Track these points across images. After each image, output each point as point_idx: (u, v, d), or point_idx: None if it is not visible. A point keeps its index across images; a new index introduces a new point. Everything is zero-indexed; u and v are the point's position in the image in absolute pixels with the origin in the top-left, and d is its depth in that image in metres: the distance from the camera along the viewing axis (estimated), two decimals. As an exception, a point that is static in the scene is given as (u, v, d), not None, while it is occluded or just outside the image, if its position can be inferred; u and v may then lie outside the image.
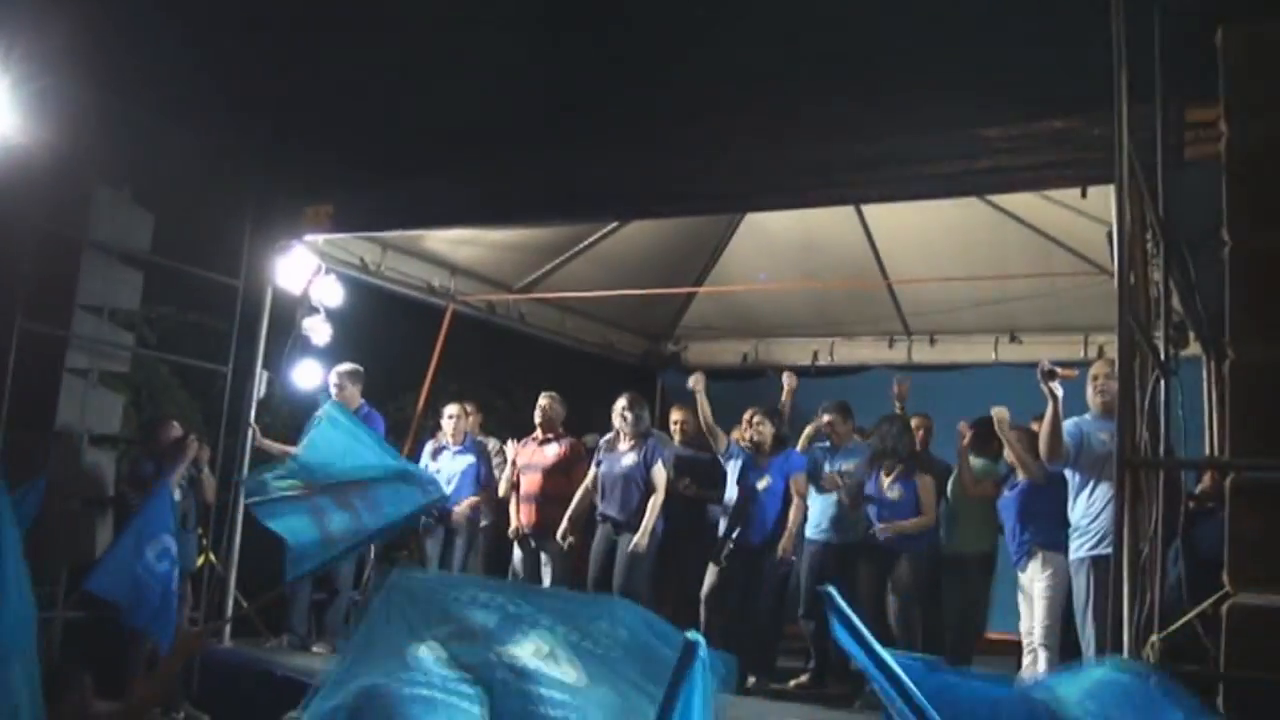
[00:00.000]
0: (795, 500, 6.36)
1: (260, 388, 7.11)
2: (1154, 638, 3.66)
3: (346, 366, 6.97)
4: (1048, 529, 5.53)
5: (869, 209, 7.95)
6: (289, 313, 7.23)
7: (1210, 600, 3.49)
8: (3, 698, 2.57)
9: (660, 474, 6.38)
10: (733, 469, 6.45)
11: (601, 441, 6.74)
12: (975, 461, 6.30)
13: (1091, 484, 5.00)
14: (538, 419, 7.00)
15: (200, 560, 6.74)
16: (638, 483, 6.39)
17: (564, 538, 6.57)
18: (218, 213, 7.19)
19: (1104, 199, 4.12)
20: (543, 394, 7.06)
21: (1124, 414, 3.59)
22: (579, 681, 2.09)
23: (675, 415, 6.94)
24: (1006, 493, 5.91)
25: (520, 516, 6.83)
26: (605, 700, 2.06)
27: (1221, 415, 5.17)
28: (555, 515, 6.62)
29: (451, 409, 7.34)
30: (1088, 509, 5.01)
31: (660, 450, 6.49)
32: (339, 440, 4.35)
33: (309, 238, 7.15)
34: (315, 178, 6.92)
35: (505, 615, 2.20)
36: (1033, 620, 5.68)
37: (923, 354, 9.43)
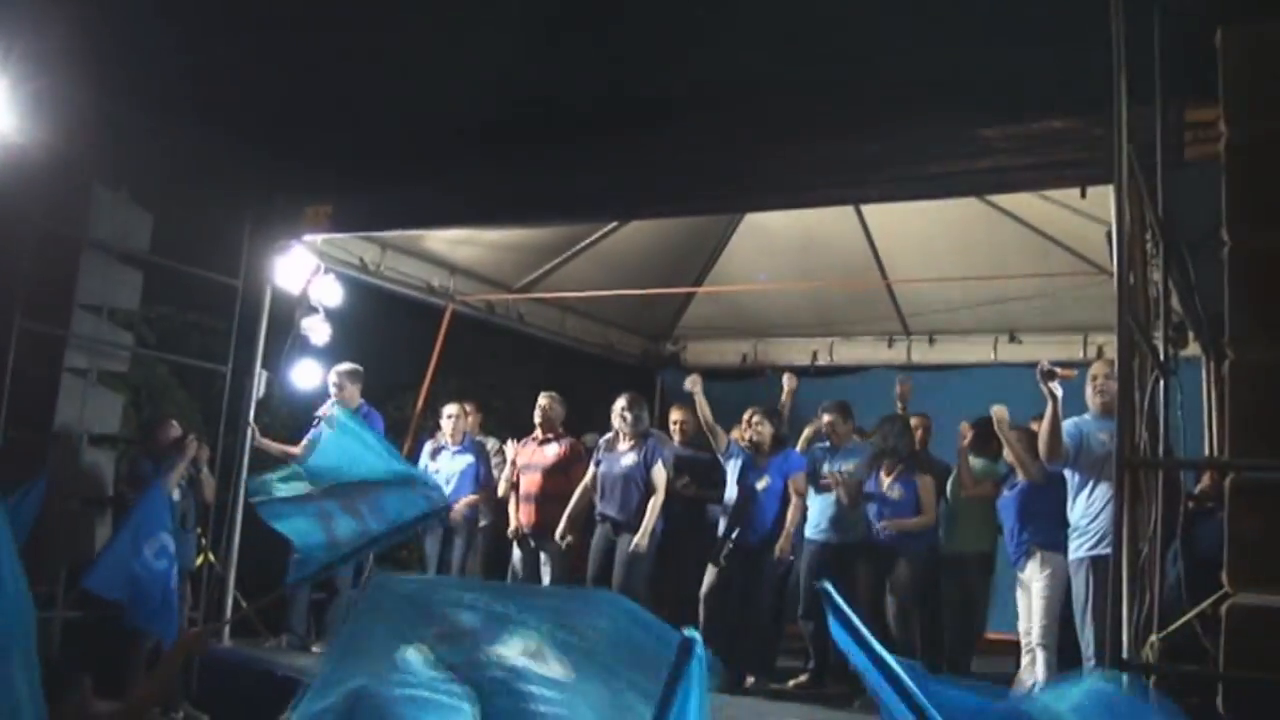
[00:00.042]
0: (794, 500, 6.36)
1: (259, 387, 7.11)
2: (1153, 638, 3.66)
3: (346, 366, 6.97)
4: (1047, 529, 5.53)
5: (868, 209, 7.95)
6: (288, 312, 7.22)
7: (1210, 600, 3.49)
8: (3, 693, 2.56)
9: (660, 474, 6.38)
10: (733, 469, 6.45)
11: (601, 441, 6.74)
12: (975, 461, 6.31)
13: (1091, 484, 5.01)
14: (537, 419, 6.99)
15: (199, 560, 6.74)
16: (637, 483, 6.39)
17: (562, 537, 6.57)
18: (217, 212, 7.19)
19: (1103, 199, 4.12)
20: (542, 394, 7.06)
21: (1123, 414, 3.59)
22: (567, 678, 2.09)
23: (675, 415, 6.94)
24: (1006, 492, 5.91)
25: (520, 516, 6.83)
26: (594, 695, 2.07)
27: (1221, 415, 5.18)
28: (555, 515, 6.62)
29: (451, 409, 7.34)
30: (1087, 509, 5.01)
31: (660, 450, 6.49)
32: (348, 446, 4.35)
33: (308, 237, 7.15)
34: (314, 178, 6.92)
35: (490, 615, 2.21)
36: (1031, 620, 5.68)
37: (922, 354, 9.44)
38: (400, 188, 6.76)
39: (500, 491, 7.10)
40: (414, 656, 2.16)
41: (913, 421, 6.67)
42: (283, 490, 4.35)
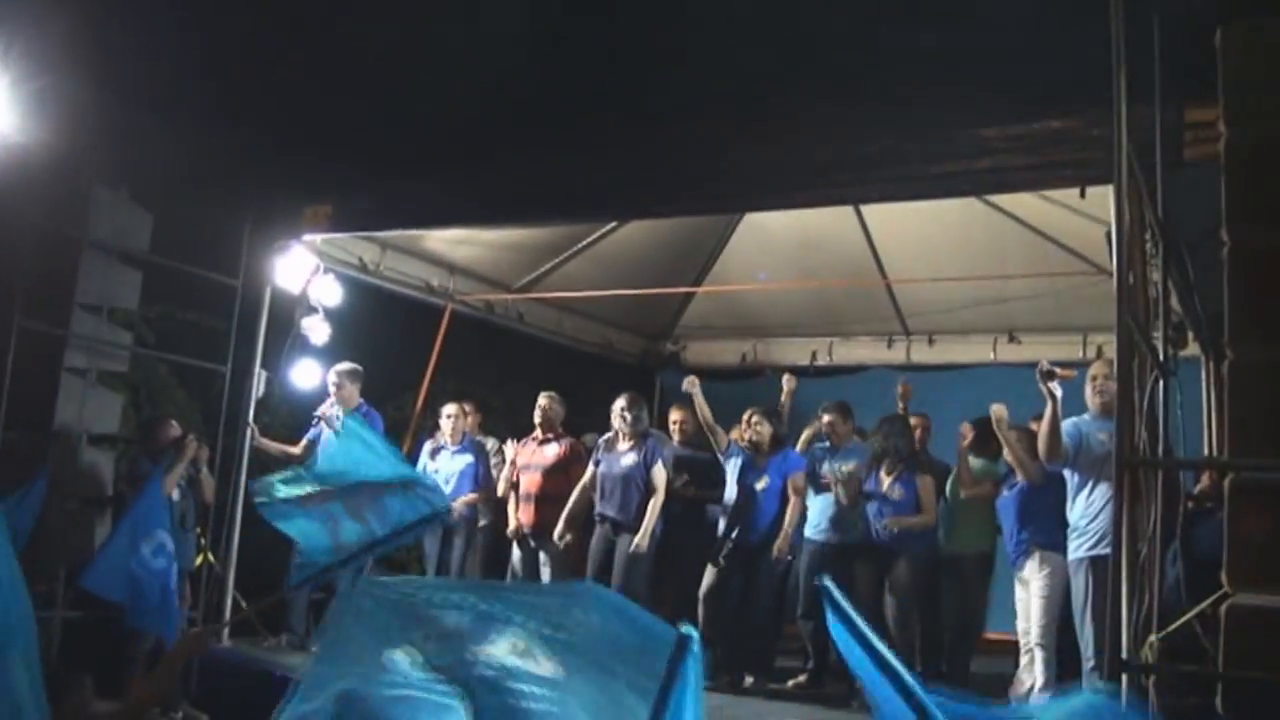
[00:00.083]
0: (792, 499, 6.36)
1: (259, 387, 7.11)
2: (1153, 638, 3.66)
3: (345, 366, 6.97)
4: (1046, 529, 5.54)
5: (868, 209, 7.96)
6: (288, 312, 7.23)
7: (1209, 600, 3.49)
8: (5, 693, 2.56)
9: (660, 475, 6.38)
10: (732, 468, 6.46)
11: (600, 441, 6.75)
12: (975, 461, 6.31)
13: (1090, 484, 5.01)
14: (537, 419, 7.00)
15: (199, 560, 6.74)
16: (637, 483, 6.39)
17: (560, 537, 6.57)
18: (216, 212, 7.18)
19: (1103, 199, 4.12)
20: (542, 394, 7.06)
21: (1123, 414, 3.59)
22: (557, 675, 2.10)
23: (674, 415, 6.94)
24: (1006, 492, 5.92)
25: (519, 516, 6.83)
26: (585, 691, 2.07)
27: (1220, 415, 5.19)
28: (554, 515, 6.62)
29: (450, 409, 7.34)
30: (1086, 509, 5.01)
31: (660, 450, 6.49)
32: (353, 450, 4.36)
33: (308, 237, 7.15)
34: (314, 178, 6.92)
35: (477, 615, 2.21)
36: (1029, 620, 5.68)
37: (921, 354, 9.44)
38: (400, 187, 6.76)
39: (500, 491, 7.11)
40: (401, 658, 2.17)
41: (912, 421, 6.67)
42: (284, 492, 4.35)
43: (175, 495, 6.30)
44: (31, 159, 5.83)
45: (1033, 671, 5.62)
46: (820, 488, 6.47)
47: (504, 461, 7.23)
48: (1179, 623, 3.70)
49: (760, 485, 6.38)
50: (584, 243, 8.69)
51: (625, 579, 6.21)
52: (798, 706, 5.91)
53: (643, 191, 6.26)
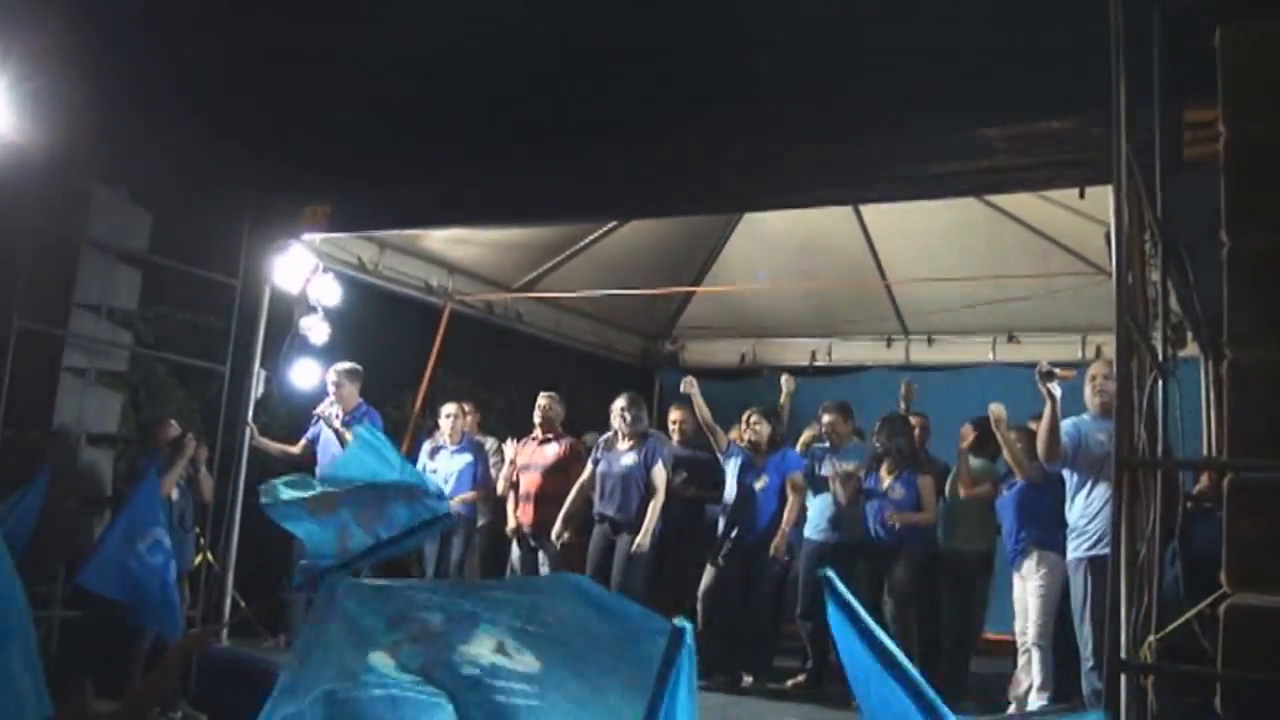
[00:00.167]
0: (791, 497, 6.37)
1: (258, 387, 7.10)
2: (1151, 638, 3.66)
3: (344, 365, 6.97)
4: (1045, 529, 5.54)
5: (867, 209, 7.96)
6: (287, 312, 7.22)
7: (1208, 600, 3.49)
8: (5, 683, 2.56)
9: (660, 475, 6.39)
10: (732, 468, 6.46)
11: (600, 440, 6.75)
12: (974, 461, 6.31)
13: (1089, 484, 5.01)
14: (537, 419, 7.00)
15: (198, 560, 6.73)
16: (637, 483, 6.39)
17: (558, 536, 6.57)
18: (215, 212, 7.17)
19: (1102, 199, 4.12)
20: (542, 393, 7.07)
21: (1122, 414, 3.59)
22: (537, 669, 2.11)
23: (674, 415, 6.95)
24: (1005, 492, 5.92)
25: (519, 515, 6.84)
26: (567, 683, 2.09)
27: (1219, 415, 5.18)
28: (554, 515, 6.63)
29: (449, 408, 7.35)
30: (1085, 509, 5.01)
31: (660, 451, 6.50)
32: (367, 461, 4.38)
33: (307, 237, 7.15)
34: (313, 177, 6.91)
35: (454, 615, 2.22)
36: (1027, 619, 5.69)
37: (921, 354, 9.44)
38: (399, 187, 6.75)
39: (499, 490, 7.11)
40: (382, 660, 2.17)
41: (911, 421, 6.68)
42: (288, 494, 4.36)
43: (175, 495, 6.30)
44: (30, 159, 5.83)
45: (1030, 671, 5.62)
46: (820, 488, 6.47)
47: (503, 461, 7.24)
48: (1178, 623, 3.70)
49: (759, 485, 6.39)
50: (583, 243, 8.69)
51: (624, 578, 6.21)
52: (796, 706, 5.92)
53: (642, 191, 6.26)
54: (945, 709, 1.89)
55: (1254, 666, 3.14)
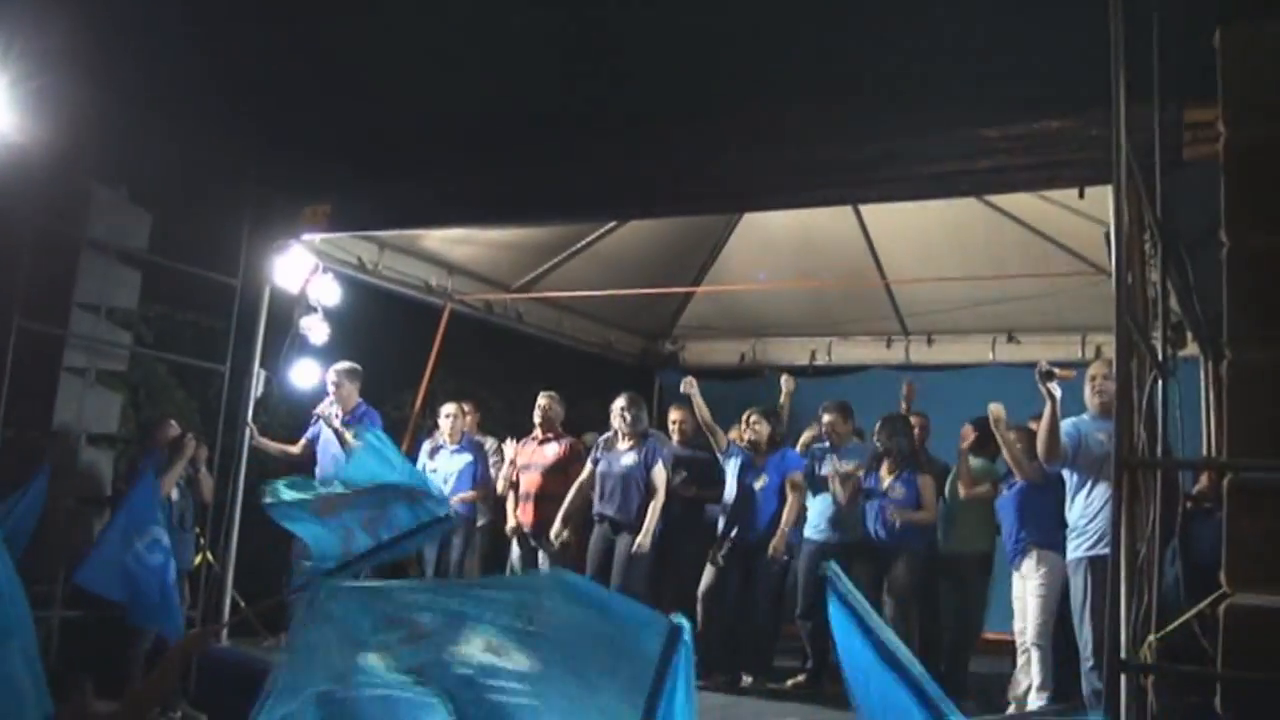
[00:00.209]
0: (790, 496, 6.36)
1: (258, 387, 7.10)
2: (1151, 638, 3.66)
3: (344, 365, 6.97)
4: (1045, 529, 5.55)
5: (867, 209, 7.95)
6: (287, 312, 7.22)
7: (1208, 600, 3.49)
8: (5, 683, 2.57)
9: (660, 475, 6.39)
10: (732, 468, 6.46)
11: (599, 440, 6.75)
12: (974, 461, 6.31)
13: (1089, 484, 5.01)
14: (537, 418, 7.00)
15: (198, 560, 6.73)
16: (638, 483, 6.39)
17: (557, 536, 6.57)
18: (215, 212, 7.18)
19: (1102, 199, 4.12)
20: (542, 393, 7.07)
21: (1122, 414, 3.59)
22: (531, 668, 2.11)
23: (673, 415, 6.95)
24: (1005, 492, 5.92)
25: (519, 515, 6.84)
26: (560, 680, 2.09)
27: (1219, 415, 5.19)
28: (554, 514, 6.63)
29: (449, 408, 7.35)
30: (1085, 509, 5.01)
31: (660, 451, 6.50)
32: (373, 466, 4.39)
33: (306, 237, 7.14)
34: (313, 177, 6.91)
35: (447, 615, 2.22)
36: (1026, 619, 5.69)
37: (920, 354, 9.44)
38: (399, 187, 6.75)
39: (499, 490, 7.11)
40: (375, 661, 2.17)
41: (911, 421, 6.68)
42: (290, 495, 4.36)
43: (174, 495, 6.30)
44: (30, 158, 5.83)
45: (1030, 671, 5.62)
46: (819, 488, 6.47)
47: (503, 461, 7.24)
48: (1178, 623, 3.70)
49: (759, 485, 6.39)
50: (583, 242, 8.68)
51: (624, 578, 6.21)
52: (796, 706, 5.91)
53: (642, 191, 6.25)
54: (949, 706, 1.88)
55: (1254, 666, 3.15)
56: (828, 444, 6.58)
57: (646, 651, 1.94)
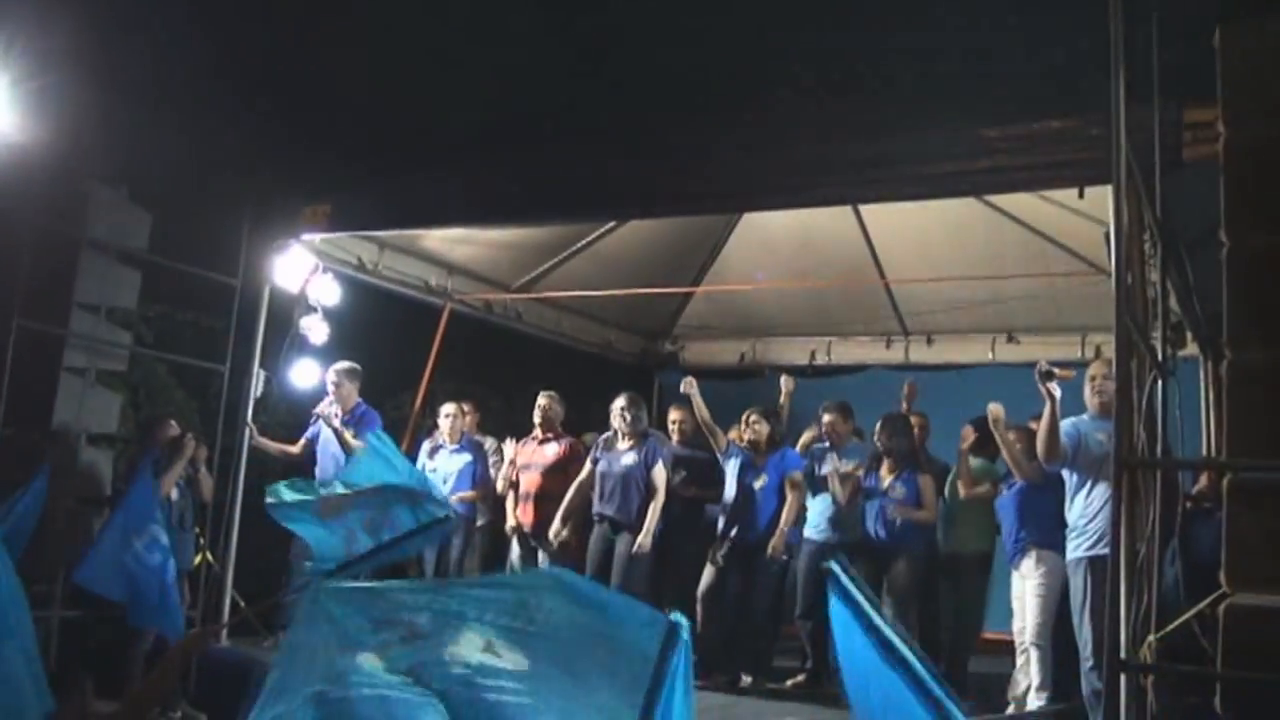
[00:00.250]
0: (790, 495, 6.37)
1: (257, 387, 7.10)
2: (1151, 637, 3.66)
3: (344, 365, 6.97)
4: (1045, 529, 5.54)
5: (866, 209, 7.95)
6: (286, 312, 7.22)
7: (1208, 600, 3.49)
8: (5, 682, 2.57)
9: (660, 475, 6.39)
10: (732, 468, 6.46)
11: (599, 440, 6.75)
12: (974, 461, 6.31)
13: (1089, 484, 5.01)
14: (537, 418, 7.00)
15: (198, 560, 6.73)
16: (638, 483, 6.40)
17: (556, 535, 6.58)
18: (215, 212, 7.18)
19: (1102, 199, 4.12)
20: (542, 393, 7.07)
21: (1121, 414, 3.59)
22: (525, 666, 2.11)
23: (673, 415, 6.95)
24: (1005, 492, 5.92)
25: (519, 515, 6.84)
26: (554, 679, 2.09)
27: (1219, 415, 5.19)
28: (554, 514, 6.63)
29: (448, 408, 7.35)
30: (1085, 509, 5.01)
31: (660, 451, 6.50)
32: (376, 470, 4.40)
33: (306, 237, 7.14)
34: (313, 176, 6.92)
35: (440, 615, 2.22)
36: (1025, 619, 5.69)
37: (920, 354, 9.43)
38: (399, 187, 6.76)
39: (499, 490, 7.11)
40: (370, 662, 2.17)
41: (911, 421, 6.68)
42: (291, 496, 4.37)
43: (174, 495, 6.29)
44: (30, 158, 5.83)
45: (1029, 671, 5.62)
46: (819, 488, 6.48)
47: (503, 461, 7.24)
48: (1177, 622, 3.70)
49: (758, 485, 6.39)
50: (583, 242, 8.67)
51: (624, 578, 6.21)
52: (796, 706, 5.92)
53: (642, 191, 6.25)
54: (953, 704, 1.87)
55: (1254, 666, 3.15)
56: (828, 444, 6.58)
57: (645, 651, 1.94)
